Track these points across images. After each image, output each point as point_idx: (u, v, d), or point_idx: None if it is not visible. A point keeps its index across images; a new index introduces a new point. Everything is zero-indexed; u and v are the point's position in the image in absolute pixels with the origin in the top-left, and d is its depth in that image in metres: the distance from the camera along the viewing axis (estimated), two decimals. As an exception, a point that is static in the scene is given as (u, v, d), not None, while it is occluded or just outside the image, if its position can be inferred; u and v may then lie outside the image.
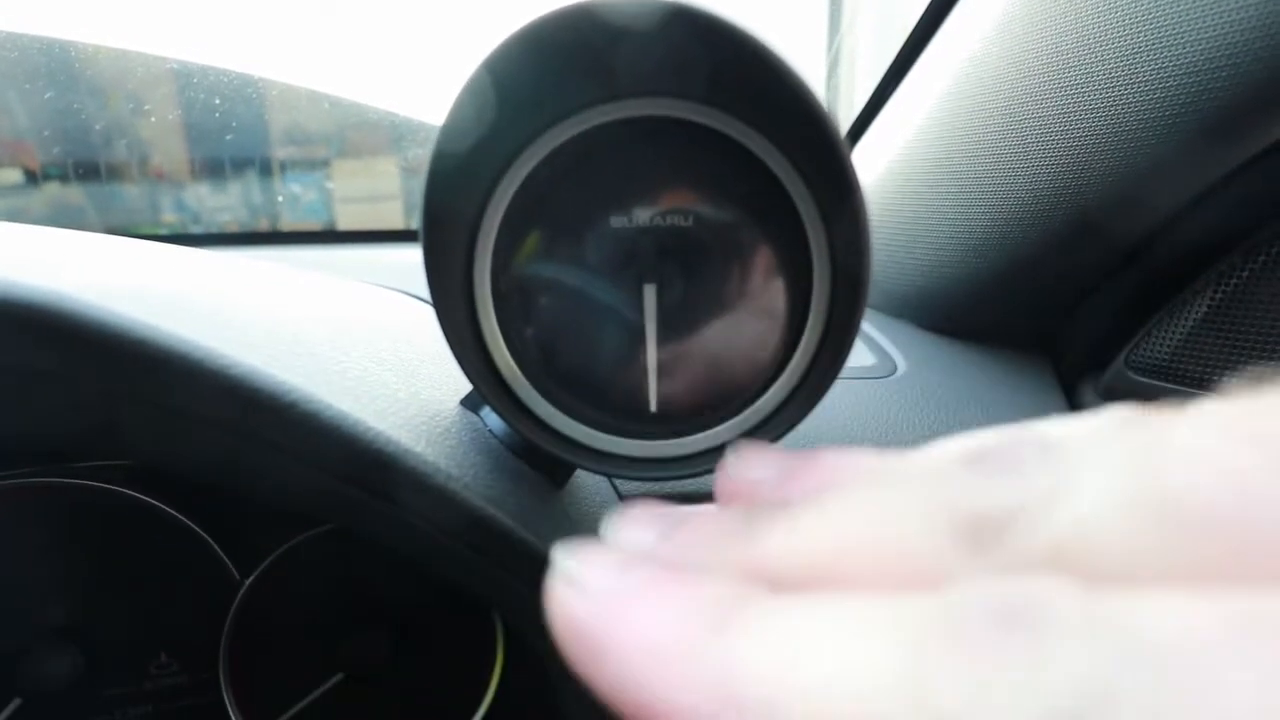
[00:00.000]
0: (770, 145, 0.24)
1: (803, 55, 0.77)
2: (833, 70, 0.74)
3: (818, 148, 0.21)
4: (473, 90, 0.21)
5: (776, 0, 0.87)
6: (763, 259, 0.26)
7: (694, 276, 0.26)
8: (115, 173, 0.81)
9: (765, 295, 0.26)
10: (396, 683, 0.43)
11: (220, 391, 0.24)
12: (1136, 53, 0.37)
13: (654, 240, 0.26)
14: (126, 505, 0.38)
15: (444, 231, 0.24)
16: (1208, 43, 0.35)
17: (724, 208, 0.26)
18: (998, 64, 0.46)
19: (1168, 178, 0.40)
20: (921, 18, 0.55)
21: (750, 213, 0.25)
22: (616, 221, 0.26)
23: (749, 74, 0.20)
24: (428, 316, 0.25)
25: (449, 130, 0.21)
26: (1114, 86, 0.39)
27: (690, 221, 0.25)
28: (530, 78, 0.21)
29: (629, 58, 0.22)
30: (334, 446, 0.25)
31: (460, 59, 0.21)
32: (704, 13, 0.19)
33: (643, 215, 0.26)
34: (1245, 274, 0.43)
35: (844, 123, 0.68)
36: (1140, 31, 0.37)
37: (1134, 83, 0.38)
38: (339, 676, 0.42)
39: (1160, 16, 0.36)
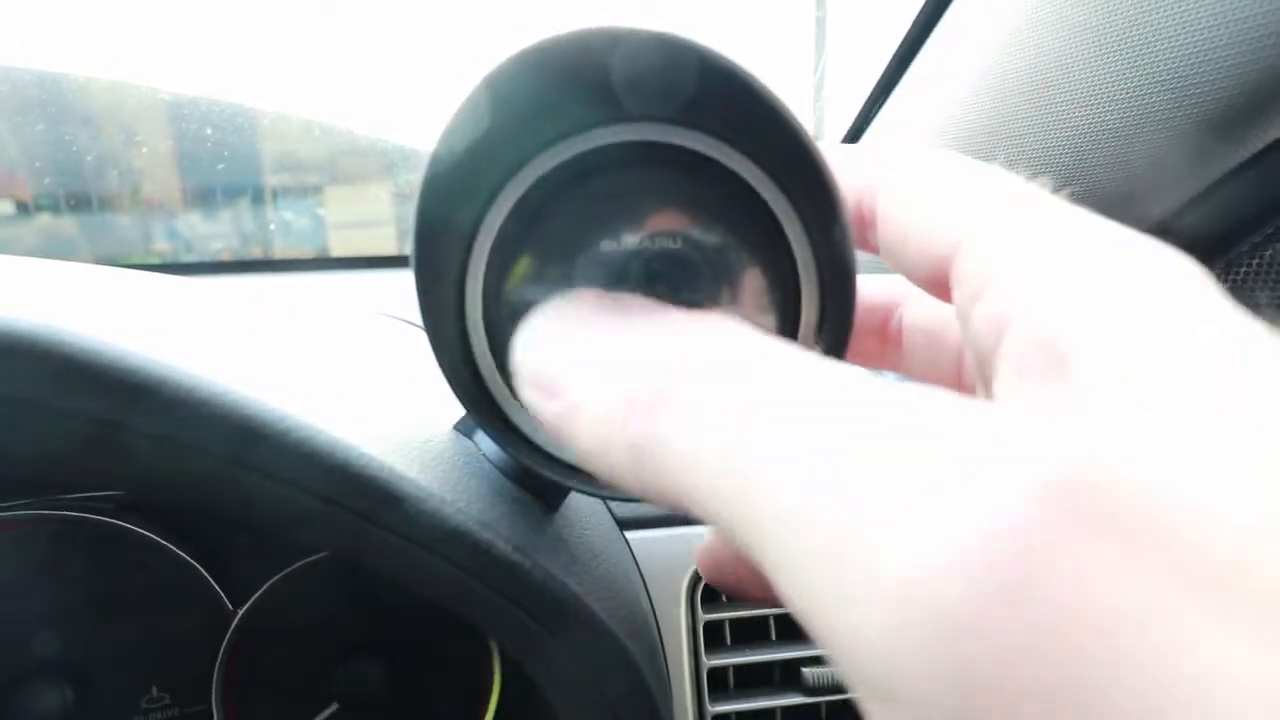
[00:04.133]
0: (755, 168, 0.25)
1: (788, 76, 0.78)
2: (819, 90, 0.75)
3: (801, 171, 0.21)
4: (472, 106, 0.21)
5: (762, 23, 0.88)
6: (751, 279, 0.26)
7: (684, 299, 0.26)
8: (107, 203, 0.81)
9: (754, 315, 0.26)
10: (392, 712, 0.42)
11: (212, 419, 0.24)
12: (1135, 50, 0.38)
13: (643, 263, 0.26)
14: (117, 536, 0.38)
15: (436, 249, 0.24)
16: (1207, 40, 0.35)
17: (711, 230, 0.26)
18: (992, 65, 0.47)
19: (1165, 176, 0.40)
20: (907, 33, 0.56)
21: (737, 234, 0.26)
22: (607, 245, 0.26)
23: (735, 101, 0.21)
24: (420, 341, 0.25)
25: (446, 142, 0.22)
26: (1112, 84, 0.39)
27: (679, 244, 0.26)
28: (529, 99, 0.22)
29: (626, 84, 0.22)
30: (327, 472, 0.25)
31: (450, 87, 0.21)
32: (693, 43, 0.20)
33: (631, 239, 0.26)
34: (1245, 273, 0.43)
35: (832, 141, 0.68)
36: (1139, 29, 0.37)
37: (1132, 80, 0.38)
38: (334, 707, 0.42)
39: (1159, 14, 0.36)
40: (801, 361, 0.14)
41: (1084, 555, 0.10)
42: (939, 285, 0.19)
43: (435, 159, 0.22)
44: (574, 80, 0.22)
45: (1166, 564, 0.10)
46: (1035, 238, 0.16)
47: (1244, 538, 0.10)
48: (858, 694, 0.12)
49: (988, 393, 0.16)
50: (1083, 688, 0.10)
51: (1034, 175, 0.19)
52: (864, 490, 0.12)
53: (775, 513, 0.12)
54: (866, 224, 0.22)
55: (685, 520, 0.47)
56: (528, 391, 0.18)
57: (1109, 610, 0.10)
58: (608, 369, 0.16)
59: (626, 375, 0.16)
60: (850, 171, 0.22)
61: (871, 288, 0.28)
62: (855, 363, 0.29)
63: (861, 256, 0.23)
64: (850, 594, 0.11)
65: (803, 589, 0.12)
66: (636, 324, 0.17)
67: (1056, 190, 0.18)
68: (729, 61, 0.20)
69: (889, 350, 0.27)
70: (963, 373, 0.25)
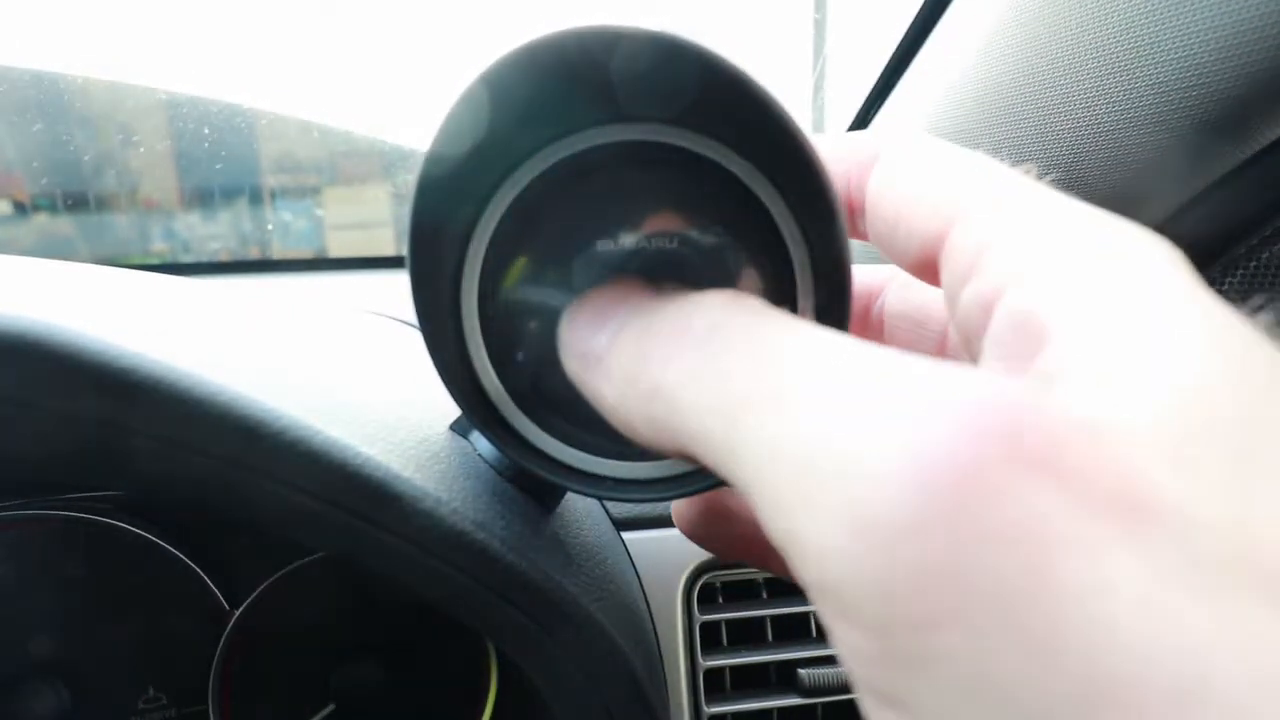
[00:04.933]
0: (752, 168, 0.25)
1: (787, 77, 0.78)
2: (817, 91, 0.75)
3: (798, 172, 0.21)
4: (468, 103, 0.21)
5: (761, 24, 0.88)
6: (748, 280, 0.26)
7: None
8: (105, 203, 0.81)
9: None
10: (389, 713, 0.42)
11: (209, 418, 0.24)
12: (1135, 49, 0.38)
13: (640, 264, 0.26)
14: (115, 536, 0.38)
15: (431, 250, 0.24)
16: (1208, 39, 0.35)
17: (708, 230, 0.26)
18: (991, 65, 0.47)
19: (1164, 178, 0.40)
20: (905, 35, 0.56)
21: (734, 235, 0.26)
22: (603, 245, 0.26)
23: (732, 102, 0.21)
24: (416, 341, 0.25)
25: (442, 140, 0.22)
26: (1110, 85, 0.39)
27: (675, 244, 0.26)
28: (525, 97, 0.22)
29: (624, 83, 0.22)
30: (323, 472, 0.25)
31: (449, 87, 0.21)
32: (690, 43, 0.20)
33: (628, 239, 0.26)
34: (1243, 275, 0.43)
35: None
36: (1137, 30, 0.37)
37: (1130, 81, 0.38)
38: (330, 707, 0.41)
39: (1157, 15, 0.36)
40: (792, 325, 0.16)
41: (1007, 482, 0.11)
42: (928, 269, 0.20)
43: (430, 158, 0.22)
44: (570, 79, 0.22)
45: (1081, 492, 0.11)
46: (1023, 222, 0.17)
47: (1158, 475, 0.11)
48: (823, 612, 0.14)
49: None
50: (996, 597, 0.11)
51: (1018, 164, 0.19)
52: (830, 422, 0.13)
53: (756, 444, 0.14)
54: (855, 209, 0.22)
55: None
56: (569, 361, 0.21)
57: (1025, 531, 0.11)
58: (628, 331, 0.19)
59: (643, 335, 0.18)
60: (838, 157, 0.22)
61: (854, 276, 0.28)
62: None
63: (858, 248, 0.23)
64: (812, 512, 0.13)
65: (775, 511, 0.14)
66: (663, 298, 0.19)
67: (1044, 180, 0.18)
68: (726, 61, 0.19)
69: (870, 337, 0.27)
70: (944, 358, 0.25)
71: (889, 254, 0.22)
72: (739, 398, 0.15)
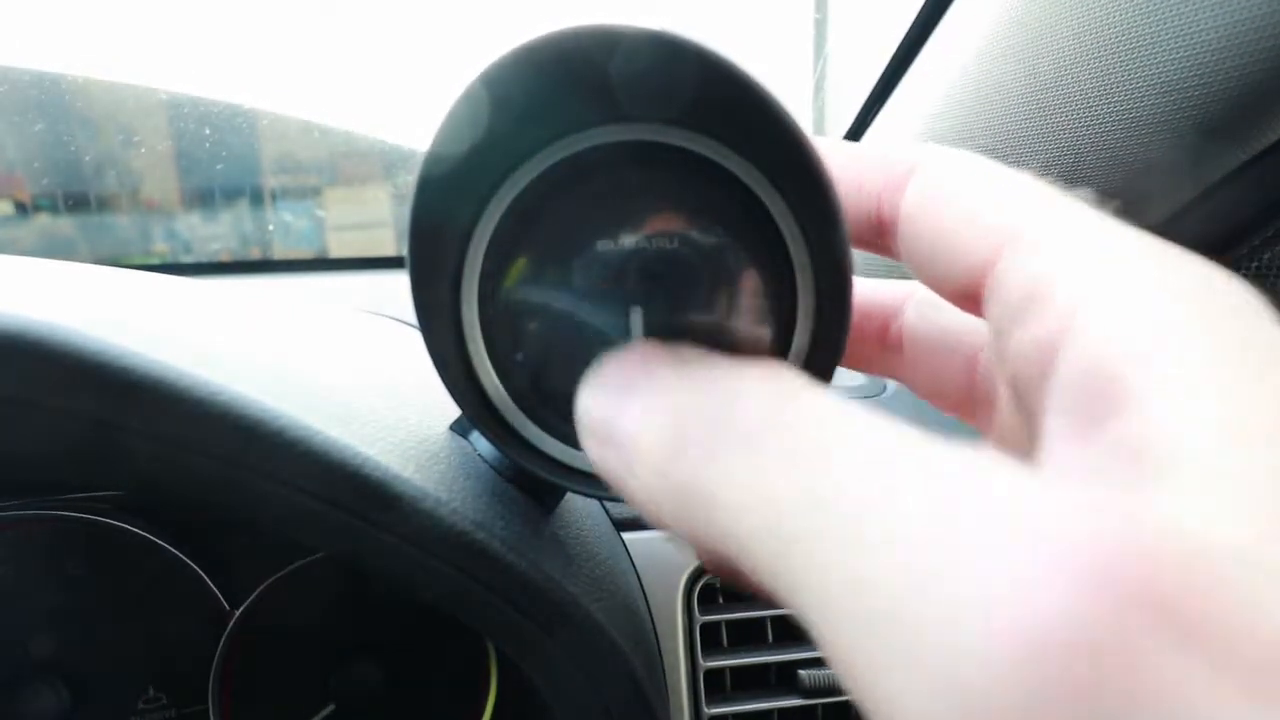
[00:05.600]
0: (752, 168, 0.25)
1: (788, 78, 0.78)
2: (818, 92, 0.75)
3: (799, 172, 0.21)
4: (467, 102, 0.21)
5: (762, 25, 0.88)
6: (748, 280, 0.26)
7: (681, 299, 0.26)
8: (106, 203, 0.81)
9: (751, 316, 0.26)
10: (389, 713, 0.42)
11: (209, 418, 0.24)
12: (1134, 52, 0.37)
13: (640, 264, 0.26)
14: (115, 536, 0.38)
15: (431, 250, 0.24)
16: (1208, 40, 0.35)
17: (709, 231, 0.26)
18: (991, 67, 0.47)
19: (1165, 178, 0.40)
20: (906, 36, 0.56)
21: (734, 235, 0.26)
22: (603, 245, 0.26)
23: (732, 101, 0.20)
24: (416, 341, 0.25)
25: (441, 140, 0.22)
26: (1111, 86, 0.39)
27: (676, 244, 0.26)
28: (525, 96, 0.22)
29: (624, 82, 0.22)
30: (322, 472, 0.25)
31: (450, 88, 0.21)
32: (690, 41, 0.20)
33: (629, 239, 0.26)
34: (1245, 275, 0.43)
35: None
36: (1139, 31, 0.37)
37: (1132, 82, 0.38)
38: (330, 707, 0.41)
39: (1158, 15, 0.36)
40: (856, 419, 0.14)
41: (1135, 652, 0.09)
42: (969, 298, 0.18)
43: (429, 158, 0.22)
44: (569, 79, 0.22)
45: (1225, 663, 0.09)
46: (1087, 254, 0.15)
47: None
48: None
49: (1026, 428, 0.16)
50: None
51: (1038, 175, 0.18)
52: (917, 565, 0.11)
53: (823, 578, 0.12)
54: (886, 227, 0.20)
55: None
56: (588, 442, 0.19)
57: (1159, 714, 0.09)
58: (660, 415, 0.17)
59: (679, 420, 0.16)
60: (865, 168, 0.21)
61: (869, 291, 0.27)
62: (853, 366, 0.28)
63: (862, 258, 0.22)
64: (900, 674, 0.11)
65: (849, 650, 0.12)
66: (691, 372, 0.17)
67: (1102, 208, 0.17)
68: (727, 61, 0.19)
69: (889, 357, 0.27)
70: (974, 386, 0.24)
71: (924, 276, 0.20)
72: (800, 522, 0.13)
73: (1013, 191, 0.17)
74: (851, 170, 0.21)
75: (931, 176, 0.19)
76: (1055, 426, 0.14)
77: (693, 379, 0.17)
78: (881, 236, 0.21)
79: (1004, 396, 0.21)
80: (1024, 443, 0.17)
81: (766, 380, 0.16)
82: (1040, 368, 0.14)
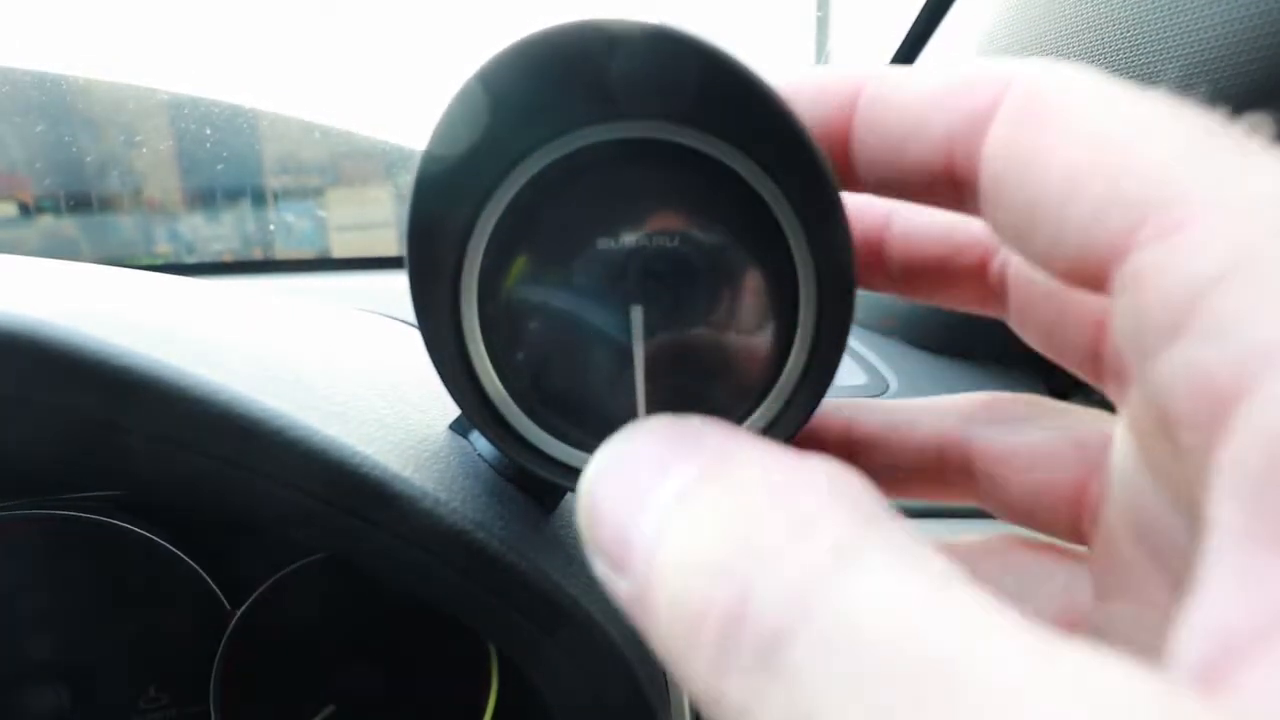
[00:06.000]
0: (754, 165, 0.25)
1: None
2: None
3: (800, 168, 0.21)
4: (464, 101, 0.21)
5: (763, 22, 0.88)
6: (750, 279, 0.26)
7: (681, 298, 0.26)
8: (108, 204, 0.82)
9: (753, 314, 0.26)
10: (390, 714, 0.42)
11: (207, 417, 0.24)
12: (1134, 51, 0.37)
13: (640, 262, 0.26)
14: (115, 536, 0.38)
15: (430, 248, 0.24)
16: (1207, 40, 0.35)
17: (710, 229, 0.26)
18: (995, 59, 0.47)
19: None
20: (907, 35, 0.56)
21: (736, 233, 0.25)
22: (603, 244, 0.26)
23: (733, 97, 0.20)
24: (416, 341, 0.25)
25: (439, 139, 0.21)
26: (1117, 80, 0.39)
27: (676, 243, 0.26)
28: (523, 93, 0.21)
29: (622, 78, 0.22)
30: (322, 472, 0.25)
31: (451, 88, 0.21)
32: (690, 36, 0.19)
33: (629, 237, 0.26)
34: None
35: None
36: (1141, 31, 0.37)
37: (1139, 78, 0.38)
38: (331, 708, 0.41)
39: (1159, 14, 0.36)
40: (962, 608, 0.10)
41: None
42: (1090, 278, 0.13)
43: (428, 156, 0.22)
44: (568, 75, 0.21)
45: None
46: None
47: None
48: None
49: (1172, 460, 0.12)
50: None
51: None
52: None
53: None
54: (961, 180, 0.15)
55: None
56: (592, 558, 0.14)
57: None
58: (688, 550, 0.12)
59: (712, 574, 0.11)
60: (933, 97, 0.15)
61: (946, 223, 0.22)
62: (947, 304, 0.24)
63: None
64: None
65: None
66: (727, 477, 0.13)
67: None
68: (726, 54, 0.19)
69: (990, 301, 0.22)
70: (1103, 355, 0.19)
71: (1018, 246, 0.15)
72: None
73: (1167, 139, 0.12)
74: (913, 106, 0.16)
75: (1033, 109, 0.14)
76: (1232, 520, 0.10)
77: (724, 488, 0.12)
78: (960, 189, 0.16)
79: (1138, 402, 0.16)
80: (1163, 442, 0.13)
81: (838, 494, 0.11)
82: (1203, 420, 0.10)
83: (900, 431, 0.23)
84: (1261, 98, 0.35)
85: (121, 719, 0.40)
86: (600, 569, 0.14)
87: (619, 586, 0.13)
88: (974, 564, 0.21)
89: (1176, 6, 0.35)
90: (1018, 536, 0.21)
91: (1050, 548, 0.21)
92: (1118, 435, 0.18)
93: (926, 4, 0.53)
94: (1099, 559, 0.19)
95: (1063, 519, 0.20)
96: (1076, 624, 0.19)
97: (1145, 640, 0.16)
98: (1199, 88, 0.36)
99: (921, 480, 0.23)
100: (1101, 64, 0.39)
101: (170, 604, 0.40)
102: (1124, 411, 0.17)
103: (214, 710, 0.40)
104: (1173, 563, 0.15)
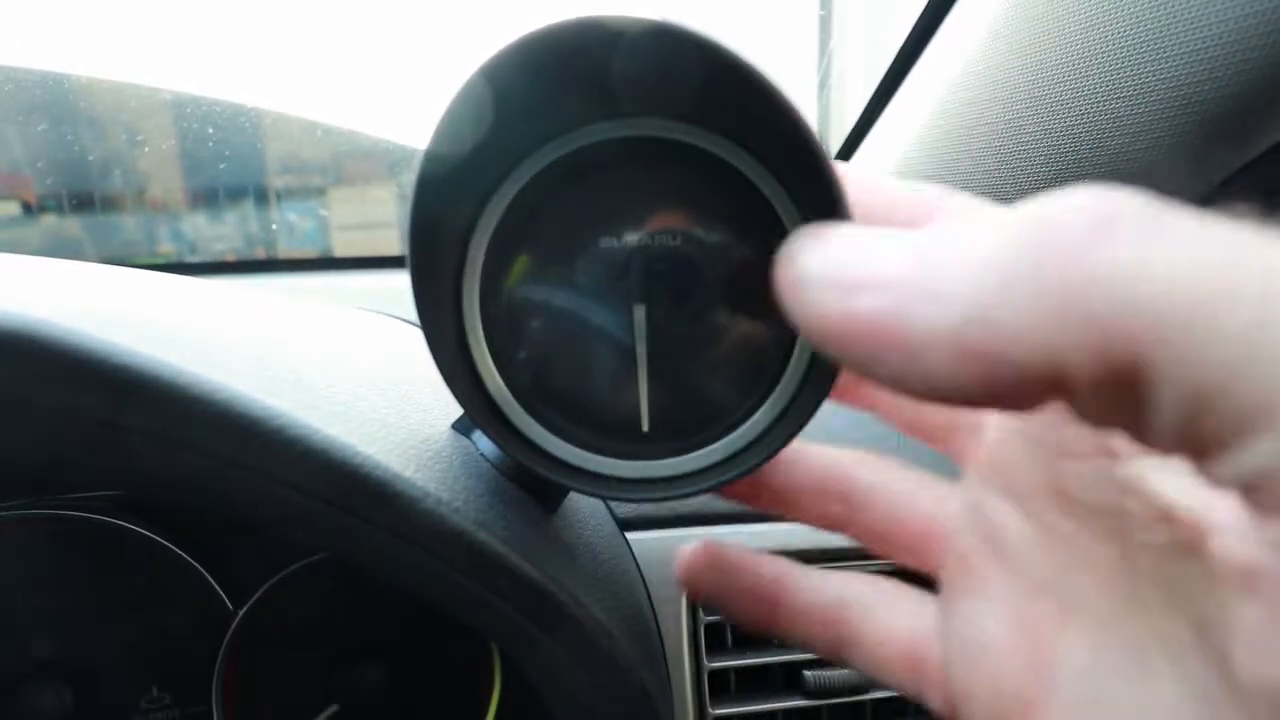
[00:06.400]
0: (757, 164, 0.24)
1: (792, 74, 0.77)
2: (823, 88, 0.75)
3: (804, 166, 0.21)
4: (466, 99, 0.21)
5: (766, 21, 0.88)
6: (752, 276, 0.26)
7: (684, 296, 0.26)
8: (111, 204, 0.82)
9: (755, 313, 0.26)
10: (392, 713, 0.42)
11: (207, 416, 0.24)
12: (1135, 53, 0.37)
13: (643, 261, 0.26)
14: (117, 536, 0.38)
15: (432, 247, 0.24)
16: (1208, 42, 0.34)
17: (712, 227, 0.25)
18: (992, 70, 0.46)
19: (1167, 181, 0.40)
20: (911, 31, 0.55)
21: (738, 231, 0.25)
22: (606, 242, 0.26)
23: (736, 93, 0.20)
24: (418, 340, 0.25)
25: (440, 138, 0.21)
26: (1112, 87, 0.39)
27: (679, 241, 0.25)
28: (525, 91, 0.21)
29: (625, 75, 0.22)
30: (323, 471, 0.25)
31: (454, 87, 0.21)
32: (692, 32, 0.19)
33: (632, 236, 0.25)
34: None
35: (836, 140, 0.68)
36: (1139, 31, 0.37)
37: (1132, 83, 0.38)
38: (334, 708, 0.41)
39: (1159, 15, 0.36)
40: None
41: None
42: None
43: (429, 156, 0.22)
44: (570, 73, 0.21)
45: None
46: None
47: None
48: None
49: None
50: None
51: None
52: None
53: None
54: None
55: (684, 519, 0.47)
56: (818, 294, 0.16)
57: None
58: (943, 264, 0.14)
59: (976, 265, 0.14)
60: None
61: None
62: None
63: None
64: None
65: None
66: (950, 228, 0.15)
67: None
68: (730, 51, 0.19)
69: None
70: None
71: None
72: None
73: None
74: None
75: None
76: None
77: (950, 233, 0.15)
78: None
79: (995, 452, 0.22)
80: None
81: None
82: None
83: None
84: (1262, 98, 0.35)
85: (124, 718, 0.40)
86: (822, 300, 0.16)
87: (857, 305, 0.15)
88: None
89: (1177, 7, 0.35)
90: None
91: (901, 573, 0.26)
92: (968, 477, 0.23)
93: (928, 4, 0.53)
94: (950, 569, 0.23)
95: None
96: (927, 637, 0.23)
97: (990, 628, 0.20)
98: (1199, 88, 0.36)
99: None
100: (1102, 64, 0.39)
101: (172, 604, 0.40)
102: (972, 466, 0.23)
103: (216, 710, 0.40)
104: (1016, 560, 0.20)
